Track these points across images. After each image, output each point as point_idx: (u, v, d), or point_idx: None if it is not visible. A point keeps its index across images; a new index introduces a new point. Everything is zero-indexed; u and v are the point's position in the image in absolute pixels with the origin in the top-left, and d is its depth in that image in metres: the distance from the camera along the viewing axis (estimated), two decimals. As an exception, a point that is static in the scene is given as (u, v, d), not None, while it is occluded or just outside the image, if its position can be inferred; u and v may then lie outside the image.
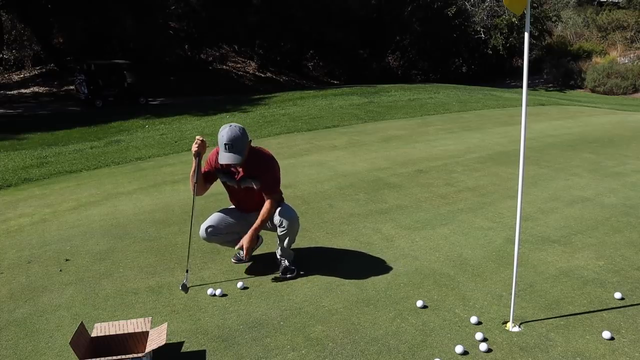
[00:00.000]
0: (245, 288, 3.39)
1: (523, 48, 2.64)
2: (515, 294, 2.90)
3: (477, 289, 3.29)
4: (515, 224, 2.86)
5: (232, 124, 3.29)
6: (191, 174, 3.46)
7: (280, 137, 9.42)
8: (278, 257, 3.63)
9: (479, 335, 2.74)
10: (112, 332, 2.69)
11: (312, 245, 4.09)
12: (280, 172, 3.56)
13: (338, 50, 26.63)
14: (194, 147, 3.34)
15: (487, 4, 27.13)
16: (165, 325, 2.67)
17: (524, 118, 2.74)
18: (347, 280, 3.46)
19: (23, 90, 20.94)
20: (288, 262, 3.60)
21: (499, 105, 13.44)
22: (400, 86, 19.05)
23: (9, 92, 20.50)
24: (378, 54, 29.15)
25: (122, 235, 4.49)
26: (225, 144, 3.21)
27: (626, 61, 24.83)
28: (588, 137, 8.55)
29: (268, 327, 2.92)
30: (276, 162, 3.49)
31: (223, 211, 3.71)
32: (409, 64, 29.76)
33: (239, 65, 27.09)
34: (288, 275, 3.53)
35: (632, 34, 26.90)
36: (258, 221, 3.41)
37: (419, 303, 3.10)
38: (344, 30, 24.90)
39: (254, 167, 3.40)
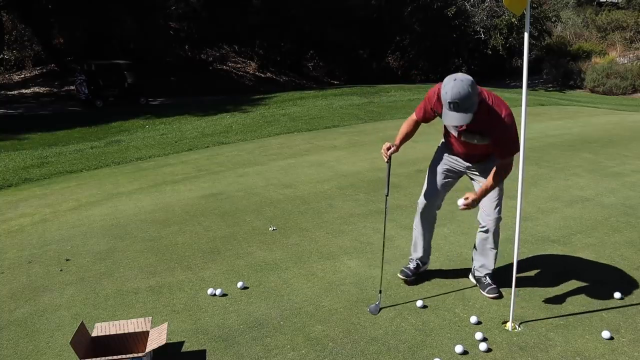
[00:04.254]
0: (245, 288, 3.40)
1: (523, 48, 2.64)
2: (515, 293, 2.91)
3: (477, 289, 3.29)
4: (515, 224, 2.86)
5: (458, 76, 2.66)
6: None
7: (280, 137, 9.42)
8: (478, 268, 3.28)
9: (478, 335, 2.74)
10: (113, 332, 2.70)
11: (312, 245, 4.10)
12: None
13: (338, 50, 26.62)
14: (385, 156, 3.08)
15: (486, 4, 27.10)
16: (165, 325, 2.68)
17: (524, 118, 2.74)
18: (347, 280, 3.47)
19: (24, 91, 20.93)
20: (490, 275, 3.23)
21: (499, 106, 13.42)
22: (400, 86, 19.05)
23: (10, 93, 20.49)
24: (378, 54, 29.16)
25: (122, 235, 4.49)
26: (449, 103, 2.63)
27: (625, 61, 24.80)
28: (588, 137, 8.54)
29: (268, 327, 2.93)
30: (512, 116, 2.80)
31: (433, 177, 3.28)
32: (409, 64, 29.74)
33: (239, 66, 27.08)
34: (491, 295, 3.16)
35: (632, 34, 26.87)
36: (479, 191, 2.95)
37: (419, 303, 3.10)
38: (344, 31, 24.89)
39: (481, 121, 2.77)
